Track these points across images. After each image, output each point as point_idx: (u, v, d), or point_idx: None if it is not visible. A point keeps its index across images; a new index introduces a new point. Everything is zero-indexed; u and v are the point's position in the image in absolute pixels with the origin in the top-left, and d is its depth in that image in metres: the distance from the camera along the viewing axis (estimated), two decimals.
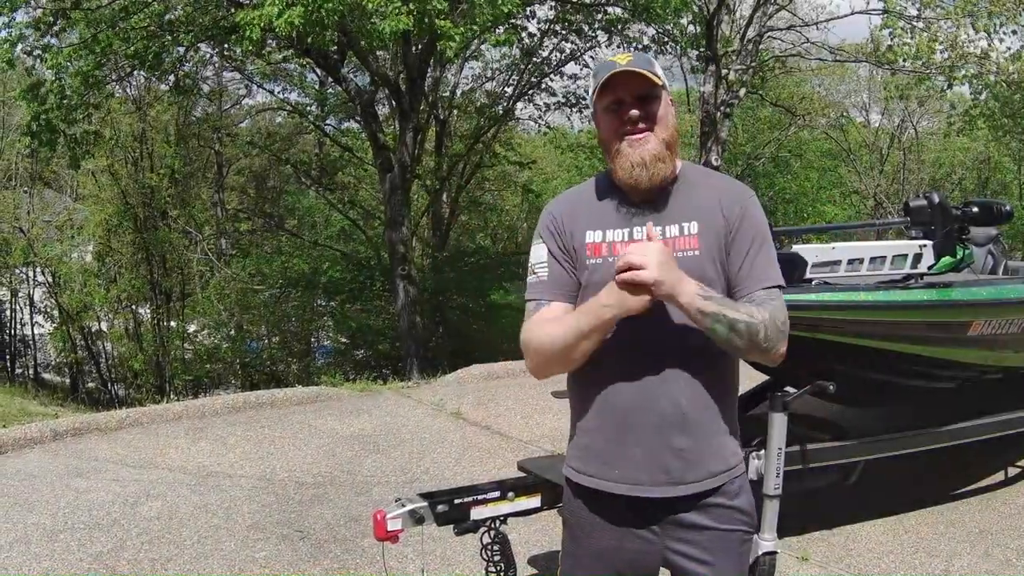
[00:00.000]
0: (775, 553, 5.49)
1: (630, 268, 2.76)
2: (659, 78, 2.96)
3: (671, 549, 3.04)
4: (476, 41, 17.93)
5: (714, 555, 3.02)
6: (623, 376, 2.97)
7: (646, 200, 3.02)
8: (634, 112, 2.94)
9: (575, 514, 3.17)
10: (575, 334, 2.93)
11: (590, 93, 3.06)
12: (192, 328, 31.31)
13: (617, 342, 2.95)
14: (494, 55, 19.55)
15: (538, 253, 3.17)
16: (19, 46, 16.75)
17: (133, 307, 31.79)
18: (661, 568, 3.10)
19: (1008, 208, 6.86)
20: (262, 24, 13.83)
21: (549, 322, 3.05)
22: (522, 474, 5.36)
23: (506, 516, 4.82)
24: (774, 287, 2.99)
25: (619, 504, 3.03)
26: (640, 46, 22.12)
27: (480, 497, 4.75)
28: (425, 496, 4.70)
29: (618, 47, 22.98)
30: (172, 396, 20.82)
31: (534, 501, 4.88)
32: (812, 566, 5.78)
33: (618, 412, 2.99)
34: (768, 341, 2.88)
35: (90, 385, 33.00)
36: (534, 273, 3.16)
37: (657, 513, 3.02)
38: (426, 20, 14.67)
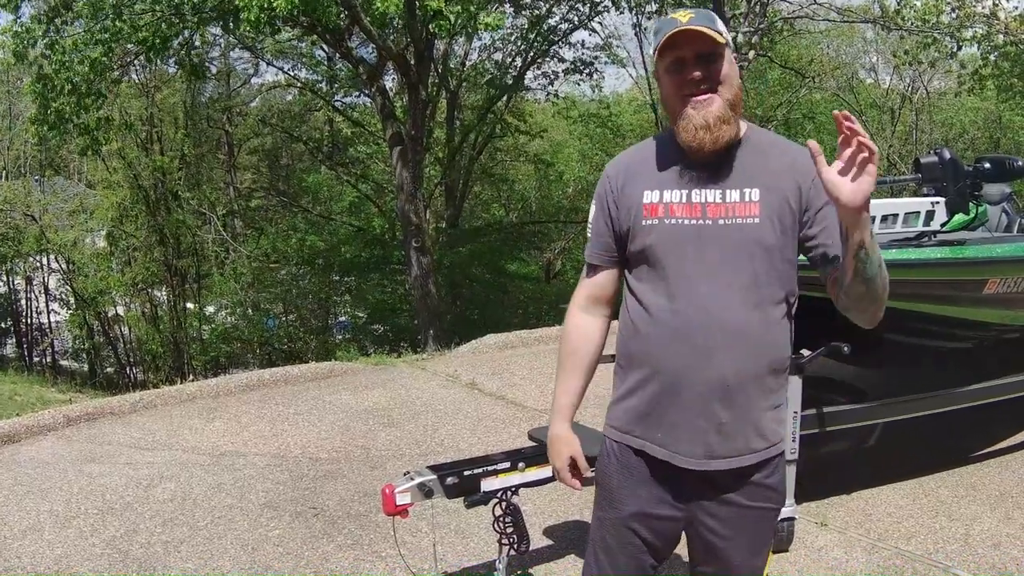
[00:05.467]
0: (794, 519, 5.46)
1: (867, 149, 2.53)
2: (722, 36, 2.86)
3: (697, 519, 3.03)
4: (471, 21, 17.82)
5: (734, 530, 3.02)
6: (673, 343, 2.93)
7: (708, 162, 2.93)
8: (697, 74, 2.86)
9: (609, 477, 3.16)
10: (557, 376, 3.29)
11: (651, 51, 2.97)
12: (210, 309, 31.39)
13: (663, 306, 2.95)
14: (497, 16, 19.46)
15: (591, 213, 3.21)
16: (31, 46, 16.78)
17: (149, 290, 31.86)
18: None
19: (1021, 163, 6.77)
20: (261, 3, 13.79)
21: (572, 335, 3.26)
22: (533, 444, 5.31)
23: (517, 487, 4.77)
24: None
25: (657, 468, 3.02)
26: (653, 11, 22.12)
27: (490, 468, 4.69)
28: (434, 469, 4.65)
29: (630, 12, 23.01)
30: (191, 377, 20.89)
31: (546, 471, 4.80)
32: (831, 531, 5.73)
33: (665, 378, 2.96)
34: (886, 291, 2.87)
35: (108, 370, 33.08)
36: (587, 232, 3.23)
37: (691, 484, 3.00)
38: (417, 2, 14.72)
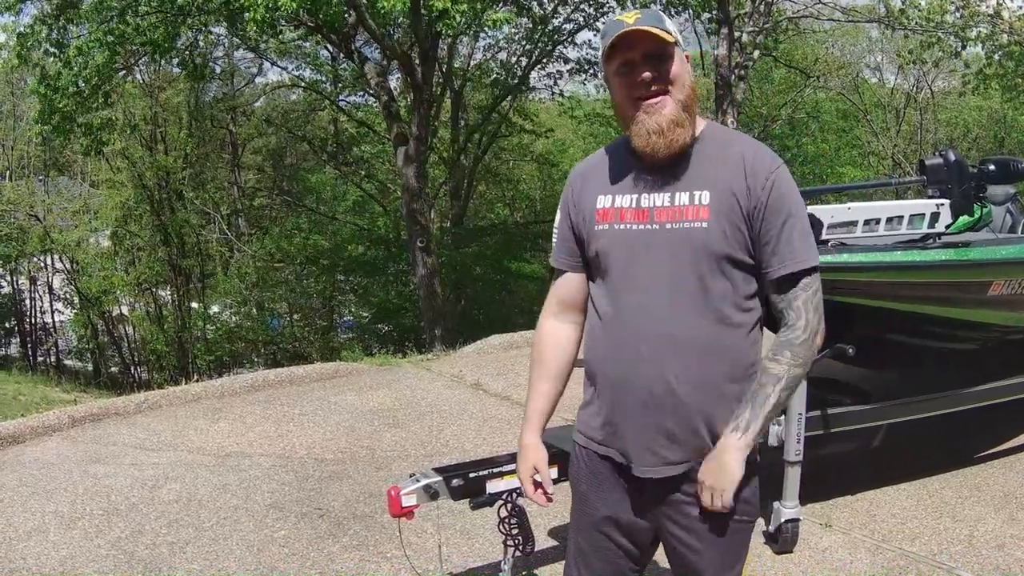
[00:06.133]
0: (798, 520, 5.46)
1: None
2: (670, 35, 2.77)
3: (663, 527, 2.98)
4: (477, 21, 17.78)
5: (703, 541, 2.94)
6: (615, 349, 2.91)
7: (661, 166, 2.85)
8: (646, 75, 2.77)
9: (580, 482, 3.15)
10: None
11: (599, 55, 2.91)
12: (215, 309, 31.41)
13: (611, 314, 2.93)
14: (504, 26, 19.45)
15: (557, 218, 3.20)
16: (36, 47, 16.82)
17: (153, 290, 31.87)
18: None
19: None
20: (267, 3, 13.81)
21: (542, 342, 3.24)
22: None
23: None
24: (808, 270, 2.83)
25: (622, 472, 2.98)
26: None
27: (495, 470, 4.69)
28: (439, 471, 4.65)
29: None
30: (195, 377, 20.91)
31: (551, 472, 4.81)
32: (835, 532, 5.72)
33: (609, 385, 2.95)
34: (814, 348, 2.85)
35: (113, 369, 33.09)
36: (553, 238, 3.21)
37: (652, 491, 2.94)
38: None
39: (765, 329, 2.97)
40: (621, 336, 2.89)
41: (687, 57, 2.89)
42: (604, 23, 3.02)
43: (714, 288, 2.81)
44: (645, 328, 2.84)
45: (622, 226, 2.89)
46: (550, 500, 3.21)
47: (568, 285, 3.15)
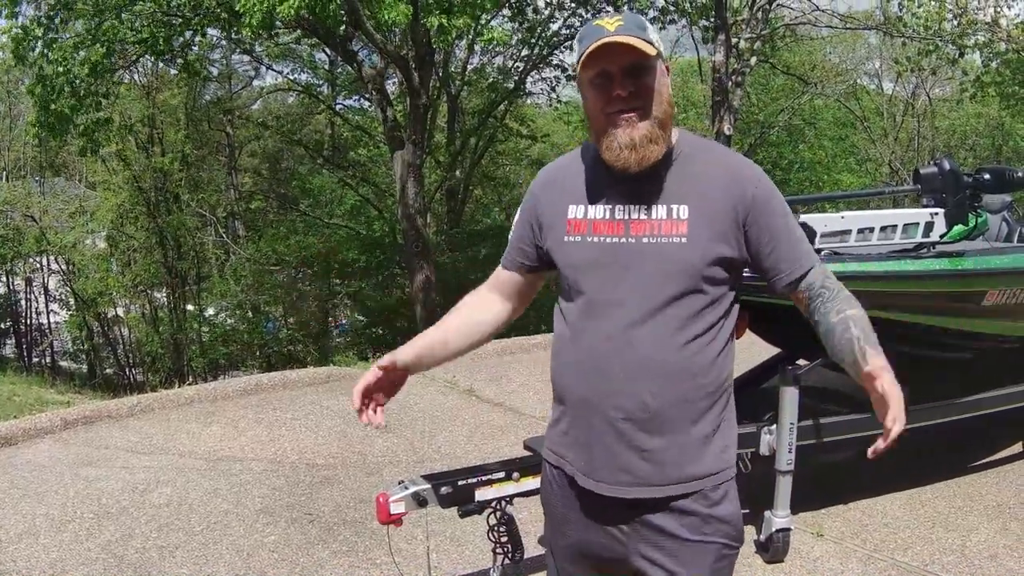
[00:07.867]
0: (789, 530, 5.44)
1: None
2: (653, 46, 2.60)
3: (638, 551, 2.78)
4: (474, 30, 17.75)
5: (683, 566, 2.73)
6: (590, 370, 2.73)
7: (635, 177, 2.69)
8: (622, 92, 2.62)
9: (553, 505, 2.97)
10: None
11: (575, 60, 2.70)
12: (210, 311, 31.42)
13: (581, 330, 2.77)
14: (502, 32, 19.32)
15: (515, 222, 3.07)
16: (31, 48, 16.82)
17: (148, 291, 31.89)
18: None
19: (1021, 174, 6.75)
20: (264, 8, 13.79)
21: (461, 304, 3.20)
22: (528, 453, 5.30)
23: (512, 497, 4.76)
24: (816, 264, 2.83)
25: (587, 496, 2.80)
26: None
27: (484, 478, 4.68)
28: (428, 478, 4.64)
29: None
30: (190, 379, 20.88)
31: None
32: (827, 542, 5.71)
33: (577, 402, 2.79)
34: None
35: (108, 371, 33.08)
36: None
37: (622, 512, 2.76)
38: (421, 14, 14.78)
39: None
40: (591, 354, 2.74)
41: (667, 68, 2.76)
42: (583, 27, 2.82)
43: (688, 305, 2.69)
44: (617, 347, 2.69)
45: (595, 239, 2.75)
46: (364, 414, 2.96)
47: (505, 279, 3.09)
